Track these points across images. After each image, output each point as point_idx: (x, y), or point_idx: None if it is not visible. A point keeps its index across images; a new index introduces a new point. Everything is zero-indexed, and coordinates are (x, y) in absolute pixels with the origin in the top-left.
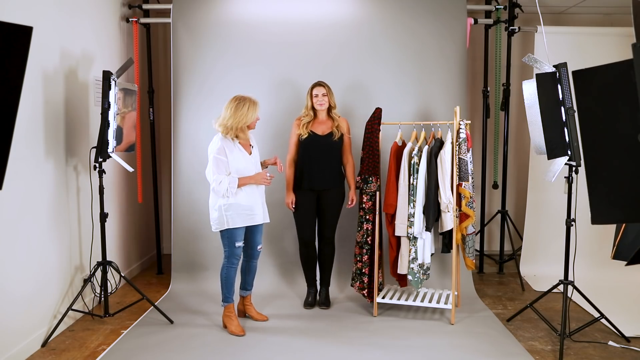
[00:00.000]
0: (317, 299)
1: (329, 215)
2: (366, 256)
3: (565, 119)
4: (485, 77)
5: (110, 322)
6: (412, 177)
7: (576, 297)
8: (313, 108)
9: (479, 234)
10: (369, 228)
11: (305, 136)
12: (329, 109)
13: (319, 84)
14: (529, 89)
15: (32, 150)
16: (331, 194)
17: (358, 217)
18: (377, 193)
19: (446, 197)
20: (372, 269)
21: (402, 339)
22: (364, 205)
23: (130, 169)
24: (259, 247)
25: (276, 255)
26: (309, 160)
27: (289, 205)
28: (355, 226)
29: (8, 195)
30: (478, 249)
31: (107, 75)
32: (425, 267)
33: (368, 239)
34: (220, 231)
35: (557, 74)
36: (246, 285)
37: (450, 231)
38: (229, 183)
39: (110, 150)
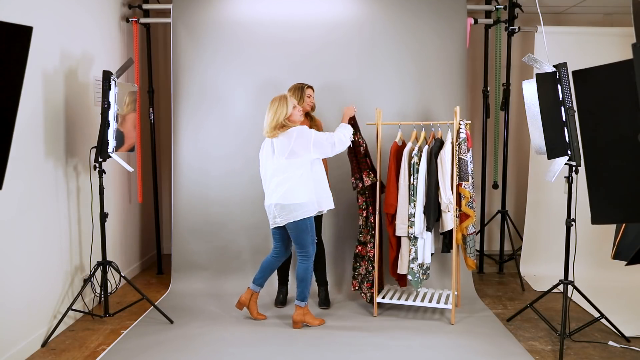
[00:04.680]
0: (287, 298)
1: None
2: (372, 250)
3: (565, 119)
4: (485, 77)
5: (110, 322)
6: (412, 177)
7: (576, 297)
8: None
9: (479, 234)
10: (373, 221)
11: None
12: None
13: (310, 86)
14: (529, 89)
15: (32, 150)
16: None
17: (362, 219)
18: (377, 193)
19: (446, 197)
20: (375, 266)
21: (402, 339)
22: (367, 201)
23: (130, 169)
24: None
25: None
26: None
27: None
28: (355, 226)
29: (8, 195)
30: (478, 249)
31: (107, 75)
32: (425, 267)
33: (373, 232)
34: (301, 226)
35: (557, 74)
36: (263, 281)
37: (451, 231)
38: (344, 129)
39: (110, 150)
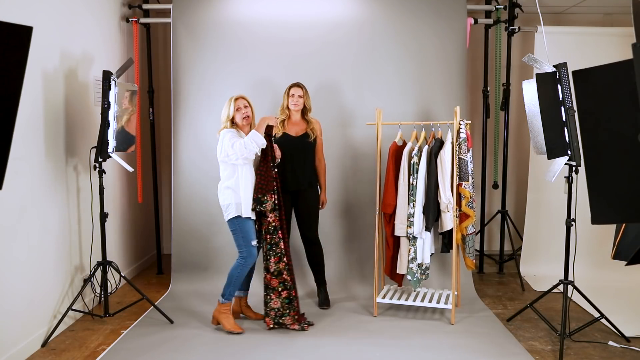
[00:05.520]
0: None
1: (307, 215)
2: (289, 277)
3: (565, 119)
4: (485, 77)
5: (110, 322)
6: (412, 177)
7: (576, 297)
8: (288, 108)
9: (479, 234)
10: (284, 247)
11: (279, 136)
12: (304, 112)
13: (298, 85)
14: (529, 89)
15: (32, 150)
16: (307, 195)
17: (266, 245)
18: (377, 193)
19: (446, 197)
20: (294, 292)
21: (402, 339)
22: (273, 224)
23: (130, 169)
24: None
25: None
26: (281, 161)
27: None
28: (358, 225)
29: (8, 195)
30: (478, 249)
31: (107, 75)
32: (424, 267)
33: (284, 259)
34: (230, 226)
35: (557, 74)
36: (245, 285)
37: (450, 231)
38: (251, 138)
39: (110, 150)
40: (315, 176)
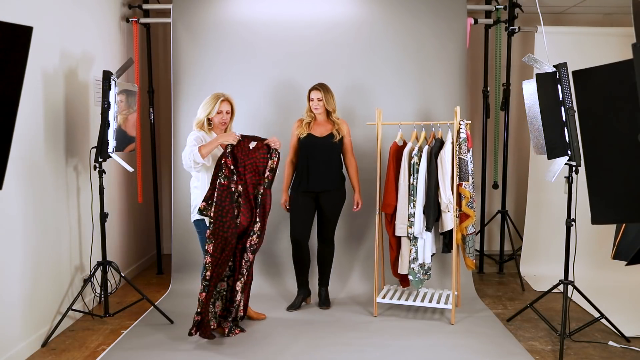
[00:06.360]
0: (304, 303)
1: (329, 216)
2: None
3: (565, 119)
4: (485, 77)
5: (110, 322)
6: (412, 177)
7: (576, 297)
8: (311, 111)
9: (479, 234)
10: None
11: (304, 136)
12: (328, 113)
13: (316, 87)
14: (529, 89)
15: (32, 150)
16: (330, 196)
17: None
18: (378, 192)
19: (446, 197)
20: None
21: (402, 339)
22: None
23: (130, 169)
24: None
25: (272, 255)
26: (306, 161)
27: (283, 206)
28: (361, 226)
29: (8, 195)
30: (478, 249)
31: (107, 75)
32: (426, 267)
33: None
34: (200, 229)
35: (557, 74)
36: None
37: (451, 231)
38: (190, 151)
39: (110, 150)
40: (342, 177)
